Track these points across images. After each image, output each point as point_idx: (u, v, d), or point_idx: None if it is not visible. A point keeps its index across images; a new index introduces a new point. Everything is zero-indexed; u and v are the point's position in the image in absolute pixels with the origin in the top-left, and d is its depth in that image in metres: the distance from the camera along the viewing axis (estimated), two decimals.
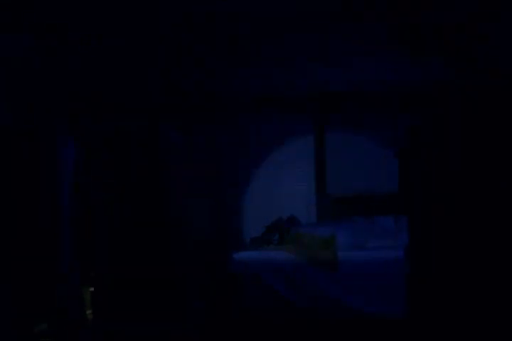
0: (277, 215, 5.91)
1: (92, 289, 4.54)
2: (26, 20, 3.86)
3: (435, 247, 4.93)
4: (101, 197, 4.57)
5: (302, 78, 5.94)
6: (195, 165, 5.63)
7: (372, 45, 4.89)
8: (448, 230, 5.48)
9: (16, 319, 3.62)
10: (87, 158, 4.61)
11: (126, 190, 4.56)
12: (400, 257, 4.33)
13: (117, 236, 4.52)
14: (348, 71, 5.72)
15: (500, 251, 4.68)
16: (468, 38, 4.78)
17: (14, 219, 3.65)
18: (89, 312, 4.53)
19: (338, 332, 4.22)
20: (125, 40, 4.64)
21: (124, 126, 5.45)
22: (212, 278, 4.99)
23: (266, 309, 4.51)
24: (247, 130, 6.69)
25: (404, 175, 5.42)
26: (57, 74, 4.95)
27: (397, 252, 4.44)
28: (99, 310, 4.49)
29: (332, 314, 4.36)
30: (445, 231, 5.48)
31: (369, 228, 5.38)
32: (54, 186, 3.88)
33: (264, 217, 6.24)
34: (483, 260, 4.91)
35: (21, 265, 3.70)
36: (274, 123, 6.65)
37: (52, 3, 3.74)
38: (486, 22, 4.30)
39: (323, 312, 4.38)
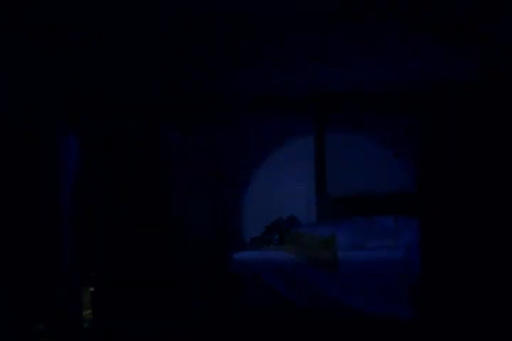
0: (277, 215, 5.91)
1: (92, 289, 4.53)
2: (26, 20, 3.86)
3: (445, 248, 4.94)
4: (101, 197, 4.57)
5: (302, 78, 5.94)
6: (195, 165, 5.63)
7: (372, 45, 4.89)
8: (453, 230, 5.49)
9: (16, 319, 3.62)
10: (87, 158, 4.60)
11: (126, 190, 4.56)
12: (399, 257, 4.33)
13: (117, 236, 4.52)
14: (348, 71, 5.72)
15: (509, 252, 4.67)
16: (468, 38, 4.78)
17: (14, 219, 3.65)
18: (89, 312, 4.53)
19: (338, 332, 4.22)
20: (125, 40, 4.64)
21: (124, 126, 5.45)
22: (212, 278, 4.99)
23: (266, 309, 4.51)
24: (247, 130, 6.69)
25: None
26: (58, 74, 4.95)
27: (397, 252, 4.44)
28: (99, 310, 4.48)
29: (332, 314, 4.35)
30: (451, 232, 5.49)
31: (369, 228, 5.38)
32: (54, 186, 3.88)
33: (264, 217, 6.24)
34: (491, 258, 4.91)
35: (21, 265, 3.70)
36: (274, 123, 6.65)
37: (53, 3, 3.74)
38: (486, 22, 4.30)
39: (323, 312, 4.38)
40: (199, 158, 6.18)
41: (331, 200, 6.47)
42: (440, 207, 5.65)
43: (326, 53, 5.13)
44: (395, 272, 4.25)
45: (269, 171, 6.64)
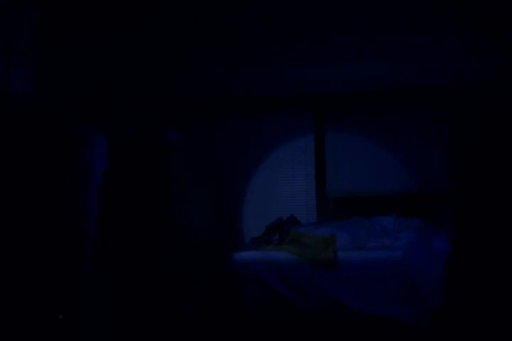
0: (277, 215, 5.91)
1: None
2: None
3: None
4: (100, 197, 4.57)
5: (302, 78, 5.95)
6: (195, 165, 5.64)
7: (373, 45, 4.90)
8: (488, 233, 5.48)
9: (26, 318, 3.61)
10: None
11: (126, 190, 4.56)
12: (399, 257, 4.34)
13: (116, 236, 4.52)
14: (348, 71, 5.73)
15: None
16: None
17: (36, 218, 3.63)
18: None
19: (338, 332, 4.22)
20: (125, 40, 4.65)
21: (124, 127, 5.45)
22: (211, 278, 4.99)
23: (266, 309, 4.51)
24: (247, 130, 6.70)
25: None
26: (58, 75, 4.96)
27: (396, 252, 4.44)
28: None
29: (332, 314, 4.35)
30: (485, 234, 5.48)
31: (369, 228, 5.38)
32: (81, 186, 3.86)
33: (264, 217, 6.25)
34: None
35: (39, 265, 3.69)
36: (274, 123, 6.66)
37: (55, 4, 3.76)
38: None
39: (323, 312, 4.38)
40: (199, 158, 6.18)
41: (331, 200, 6.48)
42: (475, 209, 5.68)
43: (326, 53, 5.15)
44: (394, 272, 4.25)
45: (269, 171, 6.65)
